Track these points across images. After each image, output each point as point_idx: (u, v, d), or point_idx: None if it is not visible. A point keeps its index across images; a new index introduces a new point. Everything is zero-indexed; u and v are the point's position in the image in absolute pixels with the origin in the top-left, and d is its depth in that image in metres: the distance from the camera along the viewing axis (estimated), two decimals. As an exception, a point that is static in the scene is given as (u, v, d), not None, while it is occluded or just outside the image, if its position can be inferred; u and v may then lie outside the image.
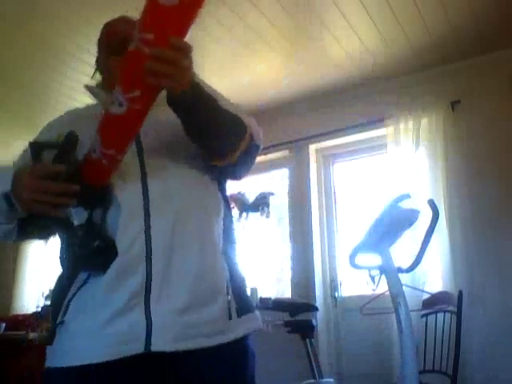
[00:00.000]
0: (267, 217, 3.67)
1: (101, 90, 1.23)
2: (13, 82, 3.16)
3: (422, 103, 3.02)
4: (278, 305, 2.77)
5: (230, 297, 1.05)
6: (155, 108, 0.95)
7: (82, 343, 0.97)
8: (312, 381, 2.47)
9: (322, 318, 3.15)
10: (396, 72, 3.15)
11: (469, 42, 2.84)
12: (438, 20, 2.62)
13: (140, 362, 0.95)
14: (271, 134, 3.62)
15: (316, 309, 2.80)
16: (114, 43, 1.20)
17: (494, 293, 2.66)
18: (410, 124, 3.04)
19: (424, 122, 3.01)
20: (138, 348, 0.93)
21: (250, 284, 3.51)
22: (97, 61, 1.32)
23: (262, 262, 3.67)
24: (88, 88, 1.26)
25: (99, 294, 0.98)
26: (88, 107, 1.28)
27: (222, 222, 1.12)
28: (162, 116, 1.05)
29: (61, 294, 1.03)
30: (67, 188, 0.93)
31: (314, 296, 3.20)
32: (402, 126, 3.06)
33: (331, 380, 2.55)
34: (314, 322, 2.58)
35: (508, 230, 2.72)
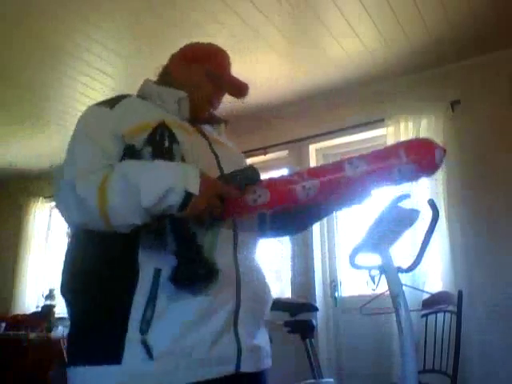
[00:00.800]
0: (267, 217, 3.67)
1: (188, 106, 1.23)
2: (11, 81, 3.16)
3: (421, 103, 3.02)
4: (277, 305, 2.77)
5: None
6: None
7: (193, 363, 0.97)
8: (312, 381, 2.47)
9: (321, 317, 3.15)
10: (396, 72, 3.15)
11: (468, 42, 2.84)
12: (437, 20, 2.62)
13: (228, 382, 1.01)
14: (271, 134, 3.63)
15: (316, 309, 2.80)
16: (219, 75, 1.35)
17: (494, 293, 2.66)
18: (410, 124, 3.04)
19: (424, 122, 3.01)
20: (230, 369, 1.01)
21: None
22: (182, 68, 1.36)
23: (261, 261, 3.66)
24: (179, 96, 1.22)
25: (193, 314, 0.99)
26: (146, 104, 1.20)
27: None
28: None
29: (120, 303, 0.97)
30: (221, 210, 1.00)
31: (314, 296, 3.20)
32: (401, 126, 3.06)
33: (331, 380, 2.55)
34: (313, 321, 2.58)
35: (508, 229, 2.72)
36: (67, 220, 1.00)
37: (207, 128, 1.30)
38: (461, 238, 2.75)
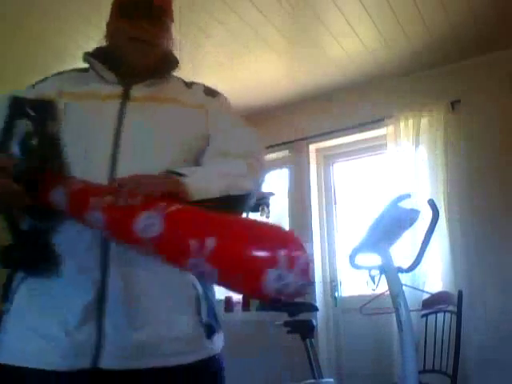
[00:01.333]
0: (267, 217, 3.67)
1: (103, 66, 1.14)
2: (13, 83, 3.16)
3: (421, 103, 3.02)
4: (277, 305, 2.77)
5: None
6: None
7: (36, 345, 0.91)
8: (312, 381, 2.47)
9: (321, 317, 3.15)
10: (396, 72, 3.15)
11: (469, 42, 2.84)
12: (437, 20, 2.62)
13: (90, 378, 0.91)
14: (271, 133, 3.63)
15: (316, 309, 2.81)
16: (126, 5, 1.17)
17: (494, 293, 2.66)
18: (410, 124, 3.04)
19: (424, 121, 3.01)
20: (85, 363, 0.90)
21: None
22: (107, 26, 1.25)
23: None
24: (86, 58, 1.17)
25: (53, 297, 0.93)
26: (79, 75, 1.17)
27: None
28: None
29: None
30: (5, 185, 0.85)
31: (314, 296, 3.20)
32: (402, 125, 3.06)
33: (331, 380, 2.55)
34: (313, 321, 2.59)
35: (508, 230, 2.72)
36: None
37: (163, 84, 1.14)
38: (461, 238, 2.75)
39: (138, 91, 1.09)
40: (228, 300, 3.53)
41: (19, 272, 0.98)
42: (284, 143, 3.58)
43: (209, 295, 1.03)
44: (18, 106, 0.94)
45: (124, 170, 0.93)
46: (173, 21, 1.18)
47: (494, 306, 2.63)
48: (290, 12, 2.53)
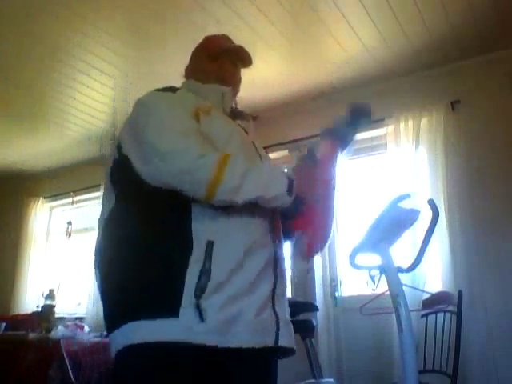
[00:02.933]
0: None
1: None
2: (11, 81, 3.16)
3: (421, 103, 3.03)
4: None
5: None
6: None
7: (240, 328, 1.06)
8: (312, 381, 2.47)
9: (321, 317, 3.15)
10: (396, 72, 3.15)
11: (469, 42, 2.84)
12: (437, 20, 2.62)
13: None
14: (271, 134, 3.63)
15: (316, 309, 2.80)
16: (213, 51, 1.47)
17: (494, 293, 2.66)
18: (410, 124, 3.04)
19: (424, 121, 3.01)
20: (270, 341, 1.11)
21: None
22: (193, 69, 1.50)
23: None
24: (218, 88, 1.44)
25: (239, 288, 1.08)
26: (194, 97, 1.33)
27: None
28: None
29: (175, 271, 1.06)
30: None
31: (314, 296, 3.20)
32: (402, 125, 3.06)
33: (331, 380, 2.55)
34: (313, 321, 2.58)
35: (508, 230, 2.72)
36: (161, 163, 1.05)
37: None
38: (461, 238, 2.75)
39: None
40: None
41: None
42: (284, 143, 3.58)
43: None
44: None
45: None
46: None
47: (494, 306, 2.63)
48: (290, 12, 2.53)
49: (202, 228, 1.08)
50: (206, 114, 1.21)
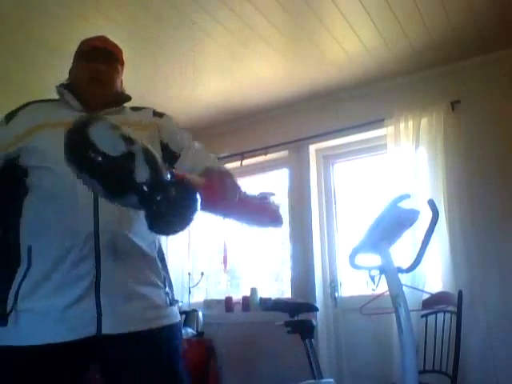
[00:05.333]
0: (267, 217, 3.66)
1: (70, 94, 1.41)
2: (13, 83, 3.16)
3: (421, 103, 3.02)
4: (277, 305, 2.77)
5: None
6: None
7: (44, 325, 1.15)
8: (312, 381, 2.47)
9: (321, 317, 3.15)
10: (396, 72, 3.15)
11: (469, 42, 2.84)
12: (437, 20, 2.62)
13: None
14: (271, 133, 3.63)
15: (316, 309, 2.81)
16: (87, 51, 1.48)
17: (494, 293, 2.66)
18: (410, 124, 3.04)
19: (424, 121, 3.01)
20: (90, 331, 1.16)
21: (250, 284, 3.52)
22: (71, 69, 1.54)
23: (261, 261, 3.67)
24: (59, 89, 1.46)
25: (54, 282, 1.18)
26: (51, 104, 1.47)
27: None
28: None
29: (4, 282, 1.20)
30: None
31: (314, 296, 3.20)
32: (402, 125, 3.06)
33: (331, 380, 2.55)
34: (314, 322, 2.59)
35: (508, 229, 2.72)
36: None
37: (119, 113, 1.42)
38: (461, 238, 2.75)
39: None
40: (228, 300, 3.53)
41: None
42: (284, 143, 3.58)
43: (167, 269, 1.37)
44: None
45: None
46: (123, 64, 1.53)
47: (494, 306, 2.63)
48: (290, 12, 2.53)
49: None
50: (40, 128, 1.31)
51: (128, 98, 1.49)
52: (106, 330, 1.16)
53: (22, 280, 1.18)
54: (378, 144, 3.27)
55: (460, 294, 2.35)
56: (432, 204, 1.88)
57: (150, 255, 1.30)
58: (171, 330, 1.29)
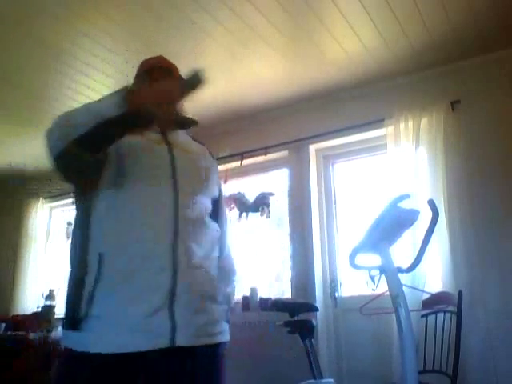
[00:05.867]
0: (267, 217, 3.67)
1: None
2: (11, 82, 3.16)
3: (422, 103, 3.02)
4: (277, 305, 2.77)
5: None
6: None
7: (121, 334, 1.15)
8: (312, 381, 2.47)
9: (321, 318, 3.15)
10: (396, 72, 3.15)
11: (469, 42, 2.84)
12: (437, 20, 2.62)
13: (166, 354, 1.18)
14: (271, 134, 3.63)
15: (316, 309, 2.81)
16: (147, 70, 1.50)
17: (494, 293, 2.66)
18: (410, 124, 3.04)
19: (424, 121, 3.01)
20: (164, 342, 1.16)
21: (250, 284, 3.52)
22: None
23: (261, 262, 3.67)
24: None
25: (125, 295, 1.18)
26: None
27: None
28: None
29: (78, 285, 1.20)
30: None
31: (314, 296, 3.19)
32: (402, 125, 3.06)
33: (331, 380, 2.55)
34: (313, 322, 2.58)
35: (508, 229, 2.72)
36: None
37: (180, 137, 1.45)
38: (461, 238, 2.75)
39: (172, 138, 1.40)
40: (228, 300, 3.53)
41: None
42: (284, 143, 3.58)
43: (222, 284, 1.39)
44: None
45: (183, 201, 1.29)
46: None
47: (494, 306, 2.63)
48: (290, 12, 2.53)
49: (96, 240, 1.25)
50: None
51: (195, 123, 1.50)
52: (179, 342, 1.17)
53: (96, 284, 1.18)
54: (378, 144, 3.27)
55: (460, 294, 2.35)
56: (432, 204, 1.87)
57: (213, 270, 1.34)
58: (224, 347, 1.32)
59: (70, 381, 1.18)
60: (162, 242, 1.21)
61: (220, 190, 1.53)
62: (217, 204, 1.47)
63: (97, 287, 1.17)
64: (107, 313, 1.16)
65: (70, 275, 1.27)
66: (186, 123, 1.46)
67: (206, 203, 1.39)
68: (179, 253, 1.22)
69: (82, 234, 1.26)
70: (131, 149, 1.30)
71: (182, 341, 1.18)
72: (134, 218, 1.22)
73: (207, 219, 1.38)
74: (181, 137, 1.45)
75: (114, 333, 1.14)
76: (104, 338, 1.14)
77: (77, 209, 1.34)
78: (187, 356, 1.21)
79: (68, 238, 4.50)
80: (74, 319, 1.18)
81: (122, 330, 1.14)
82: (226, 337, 1.33)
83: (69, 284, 1.26)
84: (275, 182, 3.76)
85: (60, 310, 3.84)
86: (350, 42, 2.81)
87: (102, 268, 1.18)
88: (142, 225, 1.22)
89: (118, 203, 1.24)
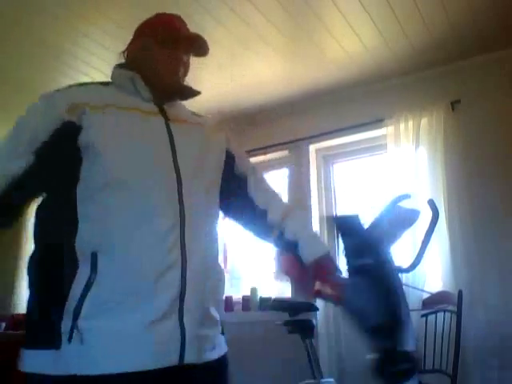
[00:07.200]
0: (267, 217, 3.66)
1: (143, 84, 1.18)
2: (11, 82, 3.16)
3: (421, 103, 3.02)
4: (277, 305, 2.77)
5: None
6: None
7: (118, 349, 0.92)
8: (312, 381, 2.47)
9: (321, 317, 3.15)
10: (396, 72, 3.15)
11: (469, 42, 2.83)
12: (437, 19, 2.62)
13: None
14: (271, 134, 3.63)
15: (316, 309, 2.80)
16: (172, 38, 1.27)
17: (493, 292, 2.66)
18: (410, 124, 3.04)
19: (424, 121, 3.01)
20: (173, 359, 0.96)
21: (250, 284, 3.52)
22: (133, 48, 1.34)
23: (262, 261, 3.67)
24: (131, 75, 1.19)
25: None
26: (106, 89, 1.19)
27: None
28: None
29: (58, 292, 0.97)
30: None
31: (314, 296, 3.19)
32: (402, 125, 3.06)
33: (331, 380, 2.55)
34: (313, 321, 2.58)
35: (508, 229, 2.72)
36: None
37: (177, 106, 1.26)
38: (461, 238, 2.75)
39: (169, 110, 1.20)
40: (228, 300, 3.53)
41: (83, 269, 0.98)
42: (284, 143, 3.58)
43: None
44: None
45: (186, 184, 1.09)
46: None
47: (494, 306, 2.63)
48: (290, 12, 2.53)
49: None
50: (95, 109, 1.07)
51: (197, 92, 1.28)
52: (188, 359, 0.98)
53: (86, 291, 0.94)
54: (378, 144, 3.27)
55: (460, 293, 2.35)
56: (432, 204, 1.87)
57: (217, 278, 1.15)
58: (227, 359, 1.15)
59: None
60: (170, 237, 1.02)
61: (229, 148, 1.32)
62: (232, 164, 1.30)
63: (88, 293, 0.94)
64: (102, 323, 0.93)
65: (39, 273, 1.02)
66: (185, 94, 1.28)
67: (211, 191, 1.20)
68: (187, 249, 1.03)
69: (61, 223, 1.02)
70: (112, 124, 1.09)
71: (190, 357, 0.99)
72: (135, 211, 1.01)
73: (214, 210, 1.21)
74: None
75: (114, 347, 0.92)
76: (99, 354, 0.91)
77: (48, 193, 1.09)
78: (193, 374, 1.01)
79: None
80: (48, 333, 0.95)
81: (123, 342, 0.93)
82: (224, 349, 1.14)
83: (35, 286, 1.02)
84: (275, 182, 3.76)
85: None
86: (350, 42, 2.81)
87: (97, 268, 0.95)
88: (145, 218, 1.01)
89: (114, 195, 1.02)
